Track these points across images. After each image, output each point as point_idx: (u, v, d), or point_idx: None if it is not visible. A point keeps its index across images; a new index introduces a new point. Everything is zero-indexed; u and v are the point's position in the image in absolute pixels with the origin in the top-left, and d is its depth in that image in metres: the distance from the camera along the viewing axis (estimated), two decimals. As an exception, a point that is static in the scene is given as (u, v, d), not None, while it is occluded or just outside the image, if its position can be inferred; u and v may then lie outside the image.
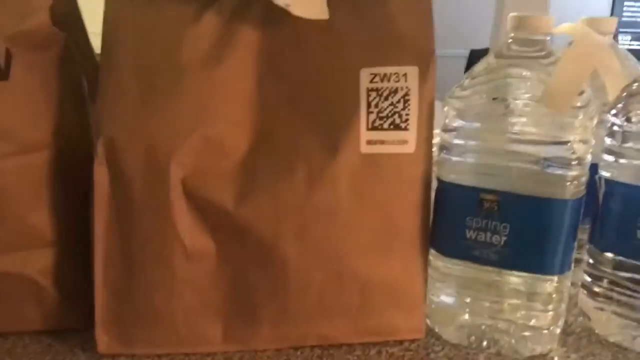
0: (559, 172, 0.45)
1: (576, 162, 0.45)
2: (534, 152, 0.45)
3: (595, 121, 0.46)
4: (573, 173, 0.45)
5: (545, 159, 0.45)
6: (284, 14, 0.45)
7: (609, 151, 0.50)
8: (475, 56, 4.39)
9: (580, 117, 0.44)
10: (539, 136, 0.45)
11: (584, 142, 0.45)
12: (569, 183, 0.45)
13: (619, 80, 0.52)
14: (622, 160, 0.49)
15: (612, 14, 4.15)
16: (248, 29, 0.47)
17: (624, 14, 4.29)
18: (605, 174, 0.50)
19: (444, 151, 0.49)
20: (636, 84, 0.49)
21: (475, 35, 4.12)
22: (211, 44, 0.47)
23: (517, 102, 0.45)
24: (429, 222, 0.50)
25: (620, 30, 4.12)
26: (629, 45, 4.16)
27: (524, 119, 0.45)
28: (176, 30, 0.46)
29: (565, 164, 0.44)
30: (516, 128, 0.45)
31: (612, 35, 0.59)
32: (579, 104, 0.44)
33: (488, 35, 2.59)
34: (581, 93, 0.45)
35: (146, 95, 0.45)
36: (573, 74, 0.43)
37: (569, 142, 0.44)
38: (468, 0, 4.73)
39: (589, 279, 0.53)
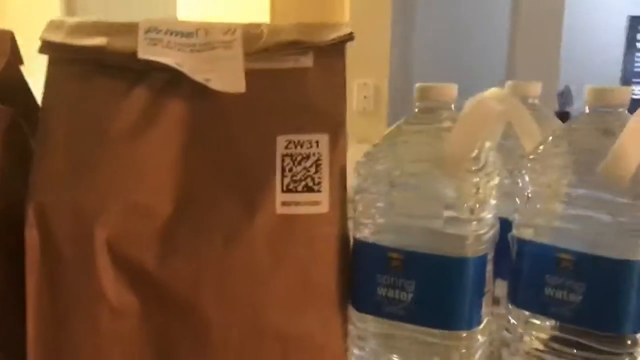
0: (458, 231, 0.47)
1: (475, 222, 0.47)
2: (434, 213, 0.47)
3: (496, 181, 0.48)
4: (472, 232, 0.47)
5: (446, 219, 0.47)
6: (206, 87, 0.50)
7: (517, 210, 0.52)
8: None
9: (476, 179, 0.47)
10: (437, 197, 0.47)
11: (481, 202, 0.47)
12: (468, 242, 0.47)
13: (535, 142, 0.55)
14: (528, 219, 0.51)
15: (624, 65, 4.17)
16: (175, 102, 0.52)
17: (636, 64, 4.31)
18: (515, 232, 0.52)
19: (355, 211, 0.52)
20: (541, 147, 0.52)
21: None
22: (139, 116, 0.51)
23: (418, 165, 0.48)
24: (345, 278, 0.52)
25: (634, 80, 4.14)
26: (641, 96, 4.16)
27: (423, 182, 0.48)
28: (107, 103, 0.51)
29: (463, 223, 0.47)
30: (417, 190, 0.48)
31: (536, 99, 0.62)
32: (473, 167, 0.47)
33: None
34: (477, 156, 0.47)
35: (75, 162, 0.50)
36: (465, 139, 0.46)
37: (465, 203, 0.47)
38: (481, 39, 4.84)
39: (508, 335, 0.54)
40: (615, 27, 4.59)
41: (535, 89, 0.62)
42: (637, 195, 0.46)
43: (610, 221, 0.47)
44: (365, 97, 2.30)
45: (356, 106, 2.30)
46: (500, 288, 0.55)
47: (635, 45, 4.19)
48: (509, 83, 0.63)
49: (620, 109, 0.50)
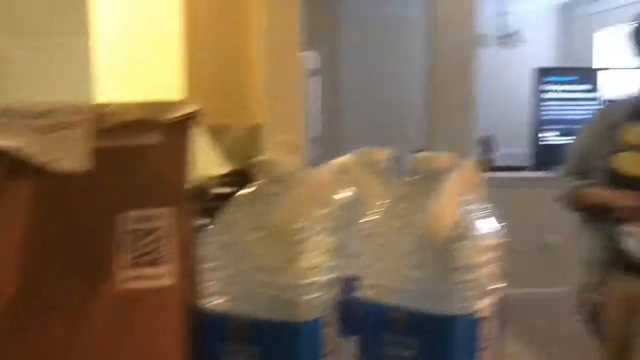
0: (290, 297, 0.49)
1: (311, 286, 0.50)
2: (269, 280, 0.50)
3: (326, 245, 0.51)
4: (303, 297, 0.50)
5: (278, 285, 0.49)
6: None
7: (359, 271, 0.55)
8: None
9: (305, 245, 0.50)
10: (269, 265, 0.50)
11: (313, 268, 0.50)
12: (299, 307, 0.50)
13: (378, 200, 0.59)
14: (367, 280, 0.54)
15: (536, 112, 4.41)
16: (21, 184, 0.52)
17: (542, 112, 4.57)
18: (358, 292, 0.55)
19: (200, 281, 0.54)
20: (376, 211, 0.55)
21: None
22: (-17, 198, 0.52)
23: (253, 233, 0.51)
24: (193, 349, 0.53)
25: (542, 127, 4.38)
26: (555, 140, 4.39)
27: (257, 250, 0.50)
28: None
29: (294, 289, 0.49)
30: (253, 257, 0.50)
31: (382, 164, 0.67)
32: (303, 235, 0.50)
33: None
34: (308, 223, 0.50)
35: None
36: (298, 208, 0.49)
37: (294, 268, 0.49)
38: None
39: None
40: (525, 79, 4.89)
41: (381, 155, 0.66)
42: (452, 240, 0.50)
43: (436, 279, 0.51)
44: (283, 153, 2.34)
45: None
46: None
47: (540, 95, 4.46)
48: (357, 151, 0.67)
49: (444, 173, 0.54)
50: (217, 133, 2.86)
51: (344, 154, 0.67)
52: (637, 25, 1.51)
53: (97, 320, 0.51)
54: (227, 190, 2.56)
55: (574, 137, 1.67)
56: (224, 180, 2.61)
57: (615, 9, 5.85)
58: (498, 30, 5.67)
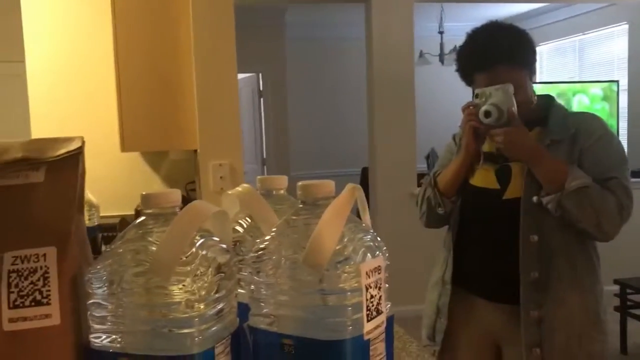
0: (179, 330, 0.50)
1: (196, 319, 0.50)
2: (153, 316, 0.50)
3: (211, 277, 0.52)
4: (191, 330, 0.50)
5: (165, 320, 0.50)
6: None
7: (249, 300, 0.56)
8: (365, 173, 4.74)
9: (187, 280, 0.50)
10: (154, 300, 0.50)
11: (198, 301, 0.50)
12: (189, 339, 0.50)
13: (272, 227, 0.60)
14: (256, 309, 0.55)
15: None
16: None
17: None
18: (249, 321, 0.56)
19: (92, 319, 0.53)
20: (262, 244, 0.56)
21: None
22: None
23: (137, 270, 0.51)
24: (84, 388, 0.53)
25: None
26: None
27: (141, 287, 0.50)
28: None
29: (182, 322, 0.49)
30: (137, 295, 0.50)
31: (282, 190, 0.68)
32: (187, 267, 0.50)
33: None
34: (189, 257, 0.51)
35: None
36: (175, 242, 0.50)
37: (178, 303, 0.49)
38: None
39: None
40: (465, 94, 5.00)
41: (281, 182, 0.68)
42: (332, 265, 0.51)
43: (320, 305, 0.52)
44: (221, 177, 2.33)
45: (213, 186, 2.32)
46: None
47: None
48: (258, 178, 0.68)
49: (327, 199, 0.56)
50: (156, 160, 2.83)
51: (290, 174, 0.68)
52: (459, 49, 1.49)
53: (-21, 365, 0.49)
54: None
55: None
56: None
57: (555, 23, 6.09)
58: (438, 47, 5.82)
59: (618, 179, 1.32)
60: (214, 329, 0.52)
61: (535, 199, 1.33)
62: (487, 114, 1.35)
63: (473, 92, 1.45)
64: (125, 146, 2.25)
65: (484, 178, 1.43)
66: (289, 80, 5.89)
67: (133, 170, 2.73)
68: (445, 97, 6.27)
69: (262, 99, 6.04)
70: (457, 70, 1.50)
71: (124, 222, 2.10)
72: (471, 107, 1.40)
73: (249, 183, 0.70)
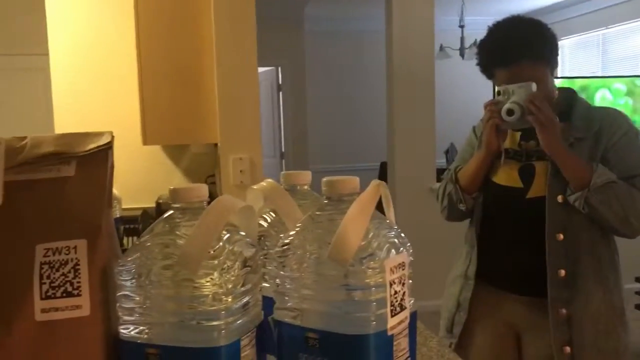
0: (206, 322, 0.50)
1: (223, 312, 0.51)
2: (180, 308, 0.51)
3: (237, 271, 0.52)
4: (218, 322, 0.51)
5: (193, 312, 0.51)
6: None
7: (274, 294, 0.57)
8: (384, 168, 4.73)
9: (214, 274, 0.51)
10: (182, 293, 0.51)
11: (225, 294, 0.51)
12: (216, 331, 0.51)
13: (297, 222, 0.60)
14: (281, 303, 0.56)
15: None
16: None
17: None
18: (274, 314, 0.56)
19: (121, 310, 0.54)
20: (287, 239, 0.57)
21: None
22: None
23: (166, 263, 0.52)
24: (112, 377, 0.54)
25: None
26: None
27: (170, 280, 0.51)
28: None
29: (209, 315, 0.50)
30: (166, 287, 0.51)
31: (306, 186, 0.68)
32: (213, 262, 0.51)
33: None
34: (217, 251, 0.52)
35: None
36: (203, 236, 0.51)
37: (205, 296, 0.50)
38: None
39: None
40: (485, 88, 4.96)
41: (305, 177, 0.68)
42: (358, 261, 0.51)
43: (344, 299, 0.52)
44: (241, 170, 2.35)
45: (233, 180, 2.34)
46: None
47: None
48: (282, 173, 0.69)
49: (352, 196, 0.56)
50: (176, 153, 2.86)
51: (308, 168, 0.68)
52: (480, 43, 1.48)
53: (15, 352, 0.51)
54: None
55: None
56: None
57: (578, 17, 6.01)
58: (459, 41, 5.78)
59: None
60: (240, 321, 0.53)
61: (560, 198, 1.32)
62: (510, 112, 1.35)
63: (494, 87, 1.44)
64: (147, 139, 2.27)
65: (507, 176, 1.43)
66: (308, 74, 5.89)
67: (154, 163, 2.76)
68: (465, 92, 6.24)
69: (280, 93, 6.05)
70: (478, 64, 1.48)
71: (146, 214, 2.13)
72: (493, 105, 1.39)
73: (268, 177, 0.70)
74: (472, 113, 5.97)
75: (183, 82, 2.29)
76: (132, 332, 0.53)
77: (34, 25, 3.50)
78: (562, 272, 1.33)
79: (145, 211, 2.17)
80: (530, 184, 1.39)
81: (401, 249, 0.55)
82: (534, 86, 1.34)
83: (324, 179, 0.57)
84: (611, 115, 1.40)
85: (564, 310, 1.33)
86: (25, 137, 0.58)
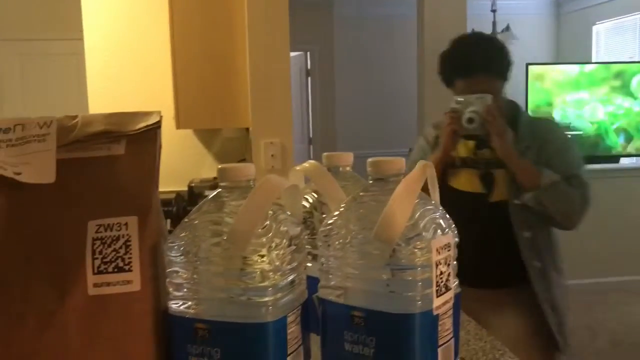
0: (253, 299, 0.51)
1: (269, 288, 0.52)
2: (229, 285, 0.52)
3: (286, 248, 0.53)
4: (266, 298, 0.52)
5: (240, 288, 0.51)
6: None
7: (319, 273, 0.57)
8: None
9: (262, 251, 0.51)
10: (230, 269, 0.52)
11: (273, 271, 0.52)
12: (263, 308, 0.51)
13: (340, 203, 0.61)
14: (326, 281, 0.56)
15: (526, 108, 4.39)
16: (-8, 193, 0.54)
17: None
18: (319, 293, 0.57)
19: (170, 286, 0.55)
20: (331, 219, 0.57)
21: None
22: (-45, 210, 0.53)
23: (213, 240, 0.53)
24: (162, 351, 0.55)
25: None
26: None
27: (218, 256, 0.52)
28: None
29: (256, 291, 0.51)
30: (215, 264, 0.52)
31: (348, 167, 0.69)
32: (263, 239, 0.52)
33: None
34: (265, 229, 0.52)
35: None
36: (252, 214, 0.51)
37: (254, 272, 0.51)
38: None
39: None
40: (517, 74, 4.90)
41: (347, 159, 0.68)
42: (404, 241, 0.52)
43: (392, 279, 0.53)
44: (272, 155, 2.36)
45: (264, 164, 2.36)
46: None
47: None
48: (324, 155, 0.69)
49: (397, 177, 0.56)
50: (208, 137, 2.88)
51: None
52: (443, 54, 1.69)
53: (68, 325, 0.52)
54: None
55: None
56: (215, 183, 2.63)
57: (614, 1, 5.87)
58: (490, 26, 5.69)
59: (580, 177, 1.54)
60: (286, 298, 0.54)
61: (516, 200, 1.51)
62: (471, 120, 1.51)
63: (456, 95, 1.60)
64: (180, 123, 2.30)
65: (469, 183, 1.60)
66: (337, 59, 5.87)
67: (185, 147, 2.79)
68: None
69: (309, 78, 6.05)
70: (440, 73, 1.68)
71: (179, 197, 2.16)
72: (454, 113, 1.55)
73: (296, 161, 0.71)
74: (503, 99, 5.88)
75: (216, 67, 2.31)
76: (181, 307, 0.54)
77: (68, 10, 3.55)
78: (538, 264, 1.53)
79: (178, 194, 2.20)
80: (491, 189, 1.56)
81: (447, 229, 0.56)
82: (490, 98, 1.51)
83: (370, 160, 0.57)
84: (551, 125, 1.68)
85: (546, 295, 1.53)
86: (76, 116, 0.59)
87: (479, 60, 1.56)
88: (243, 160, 2.78)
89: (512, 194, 1.51)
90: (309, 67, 6.03)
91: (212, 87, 2.31)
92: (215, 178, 2.64)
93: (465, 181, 1.59)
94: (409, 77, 5.14)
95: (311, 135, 6.19)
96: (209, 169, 2.80)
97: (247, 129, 2.51)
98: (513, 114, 1.60)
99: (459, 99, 1.56)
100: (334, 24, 5.82)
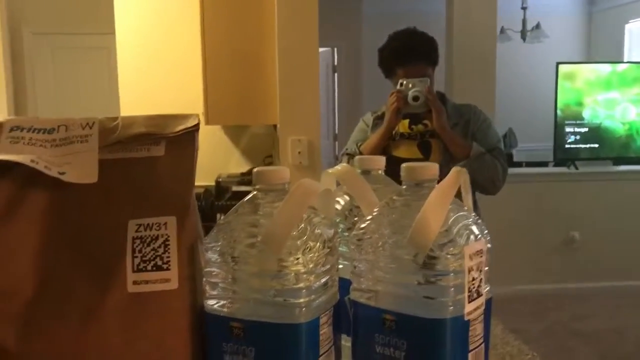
0: (287, 300, 0.53)
1: (305, 290, 0.53)
2: (264, 285, 0.53)
3: (320, 252, 0.54)
4: (300, 300, 0.53)
5: (274, 290, 0.53)
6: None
7: (351, 275, 0.58)
8: None
9: (297, 253, 0.53)
10: (265, 270, 0.53)
11: (307, 273, 0.53)
12: (296, 309, 0.53)
13: (372, 207, 0.62)
14: (358, 284, 0.57)
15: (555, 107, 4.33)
16: (36, 193, 0.56)
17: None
18: (351, 295, 0.58)
19: (207, 285, 0.57)
20: (364, 224, 0.58)
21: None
22: (2, 207, 0.56)
23: (249, 242, 0.54)
24: (198, 348, 0.57)
25: (567, 122, 4.32)
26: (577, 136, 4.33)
27: (254, 257, 0.53)
28: (-30, 198, 0.55)
29: (289, 292, 0.52)
30: (250, 265, 0.53)
31: (380, 170, 0.69)
32: (296, 242, 0.53)
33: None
34: (299, 232, 0.53)
35: (-64, 255, 0.54)
36: (287, 217, 0.52)
37: (289, 274, 0.52)
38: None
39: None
40: (547, 73, 4.83)
41: (379, 162, 0.69)
42: (438, 247, 0.52)
43: (425, 284, 0.54)
44: (299, 152, 2.38)
45: (292, 161, 2.37)
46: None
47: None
48: (356, 158, 0.70)
49: (431, 182, 0.57)
50: (236, 133, 2.92)
51: None
52: (382, 47, 2.02)
53: (109, 322, 0.54)
54: (246, 188, 2.64)
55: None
56: (243, 178, 2.66)
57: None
58: (519, 23, 5.62)
59: (499, 149, 1.92)
60: (319, 300, 0.55)
61: (451, 165, 1.68)
62: (416, 98, 1.85)
63: (395, 83, 1.91)
64: (209, 119, 2.32)
65: (408, 151, 1.93)
66: (365, 55, 5.85)
67: (214, 142, 2.82)
68: (526, 76, 6.07)
69: (336, 74, 6.04)
70: (380, 64, 2.02)
71: (207, 192, 2.19)
72: (399, 92, 1.86)
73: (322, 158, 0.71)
74: (533, 97, 5.83)
75: (245, 63, 2.33)
76: (217, 306, 0.55)
77: (100, 5, 3.61)
78: None
79: (207, 189, 2.23)
80: (428, 155, 1.90)
81: (479, 236, 0.56)
82: (429, 81, 1.88)
83: (404, 165, 0.57)
84: (474, 109, 2.01)
85: None
86: (116, 118, 0.61)
87: (416, 49, 1.92)
88: (269, 157, 2.80)
89: (445, 162, 1.78)
90: (335, 63, 6.03)
91: (241, 84, 2.33)
92: (242, 174, 2.67)
93: (406, 149, 1.93)
94: (437, 74, 5.09)
95: (336, 132, 6.19)
96: (236, 165, 2.82)
97: (275, 126, 2.53)
98: (441, 97, 1.94)
99: (403, 81, 1.87)
100: (362, 20, 5.80)
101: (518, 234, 4.07)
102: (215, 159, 2.73)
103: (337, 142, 6.18)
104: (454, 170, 0.56)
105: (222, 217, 0.61)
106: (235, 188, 2.44)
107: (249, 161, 2.83)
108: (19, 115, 3.48)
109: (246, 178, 2.54)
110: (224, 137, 2.83)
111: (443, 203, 0.53)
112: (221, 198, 2.37)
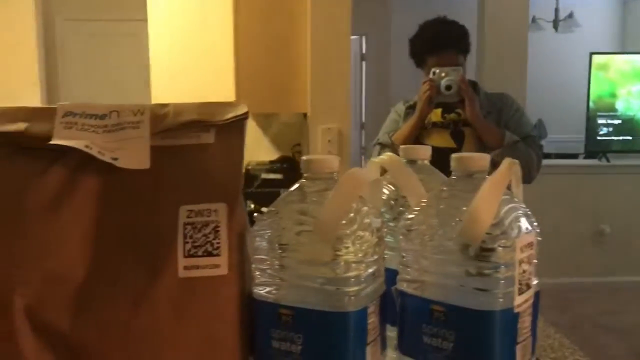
0: (337, 288, 0.53)
1: (352, 279, 0.53)
2: (314, 273, 0.53)
3: (369, 241, 0.54)
4: (350, 289, 0.53)
5: (324, 278, 0.53)
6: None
7: (398, 265, 0.58)
8: None
9: (348, 242, 0.53)
10: (315, 259, 0.53)
11: (357, 262, 0.53)
12: (345, 297, 0.53)
13: (419, 197, 0.62)
14: (406, 274, 0.57)
15: (588, 98, 4.26)
16: (88, 178, 0.57)
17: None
18: (398, 285, 0.58)
19: (255, 272, 0.57)
20: (412, 215, 0.58)
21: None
22: (56, 192, 0.57)
23: (299, 230, 0.54)
24: (246, 334, 0.58)
25: (599, 114, 4.24)
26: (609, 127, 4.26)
27: (304, 246, 0.54)
28: (25, 181, 0.57)
29: (340, 281, 0.53)
30: (300, 253, 0.54)
31: (426, 160, 0.69)
32: (347, 231, 0.53)
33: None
34: (350, 221, 0.53)
35: (-6, 236, 0.55)
36: (338, 206, 0.53)
37: (339, 263, 0.52)
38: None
39: (400, 380, 0.59)
40: (579, 64, 4.74)
41: (425, 152, 0.69)
42: (489, 239, 0.52)
43: (474, 275, 0.53)
44: (329, 140, 2.37)
45: (321, 149, 2.37)
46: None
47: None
48: (401, 147, 0.70)
49: (481, 173, 0.56)
50: (265, 121, 2.92)
51: None
52: (413, 37, 2.03)
53: (160, 307, 0.55)
54: (275, 175, 2.64)
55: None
56: (272, 166, 2.66)
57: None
58: (552, 13, 5.52)
59: (533, 137, 1.91)
60: (368, 289, 0.55)
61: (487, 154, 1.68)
62: (449, 87, 1.84)
63: (427, 72, 1.91)
64: (240, 106, 2.33)
65: (442, 139, 1.90)
66: (394, 44, 5.80)
67: (243, 129, 2.83)
68: (558, 66, 5.96)
69: (364, 62, 6.01)
70: (412, 53, 2.02)
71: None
72: (431, 81, 1.86)
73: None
74: (564, 88, 5.71)
75: (277, 51, 2.33)
76: (266, 293, 0.56)
77: (131, -8, 3.63)
78: None
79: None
80: (462, 144, 1.88)
81: (530, 228, 0.56)
82: (462, 70, 1.86)
83: (454, 155, 0.57)
84: (506, 97, 2.01)
85: None
86: (167, 105, 0.61)
87: (448, 38, 1.91)
88: (298, 145, 2.80)
89: (478, 151, 1.66)
90: (364, 51, 5.99)
91: (273, 72, 2.34)
92: (271, 161, 2.67)
93: (439, 138, 1.91)
94: (468, 63, 5.04)
95: (363, 120, 6.16)
96: (265, 152, 2.83)
97: (304, 115, 2.52)
98: (473, 87, 1.91)
99: (436, 70, 1.86)
100: (391, 8, 5.75)
101: (546, 226, 4.02)
102: (245, 147, 2.74)
103: (363, 131, 6.16)
104: (506, 161, 0.55)
105: (251, 205, 0.62)
106: (264, 175, 2.44)
107: (277, 149, 2.84)
108: (51, 102, 3.53)
109: (275, 166, 2.54)
110: (254, 125, 2.83)
111: (495, 194, 0.53)
112: (251, 185, 2.38)
